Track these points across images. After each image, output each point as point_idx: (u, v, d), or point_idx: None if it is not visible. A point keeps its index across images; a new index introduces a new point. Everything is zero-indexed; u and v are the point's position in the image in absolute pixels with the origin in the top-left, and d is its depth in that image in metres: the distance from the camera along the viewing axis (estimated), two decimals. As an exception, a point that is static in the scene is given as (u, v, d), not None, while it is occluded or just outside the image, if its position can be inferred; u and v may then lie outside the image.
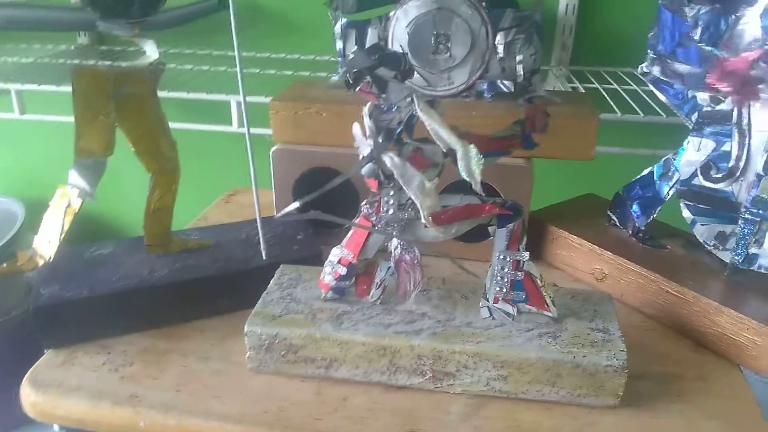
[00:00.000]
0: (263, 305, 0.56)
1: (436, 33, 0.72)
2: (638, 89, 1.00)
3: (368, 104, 0.47)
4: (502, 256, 0.53)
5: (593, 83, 1.06)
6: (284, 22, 1.24)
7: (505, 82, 0.72)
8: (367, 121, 0.47)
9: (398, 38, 0.74)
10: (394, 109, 0.47)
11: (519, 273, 0.52)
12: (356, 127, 0.48)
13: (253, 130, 0.95)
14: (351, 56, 0.45)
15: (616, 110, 0.95)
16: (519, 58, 0.71)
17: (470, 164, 0.45)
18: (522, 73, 0.72)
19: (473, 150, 0.44)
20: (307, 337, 0.52)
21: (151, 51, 0.60)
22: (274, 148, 0.72)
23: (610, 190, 0.77)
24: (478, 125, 0.68)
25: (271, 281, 0.59)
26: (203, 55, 1.22)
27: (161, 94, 0.99)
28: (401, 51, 0.47)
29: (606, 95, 1.00)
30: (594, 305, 0.56)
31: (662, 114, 0.91)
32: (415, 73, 0.72)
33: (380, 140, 0.47)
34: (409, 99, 0.46)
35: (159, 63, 0.60)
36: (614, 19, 1.18)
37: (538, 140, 0.52)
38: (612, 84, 1.05)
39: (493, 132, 0.53)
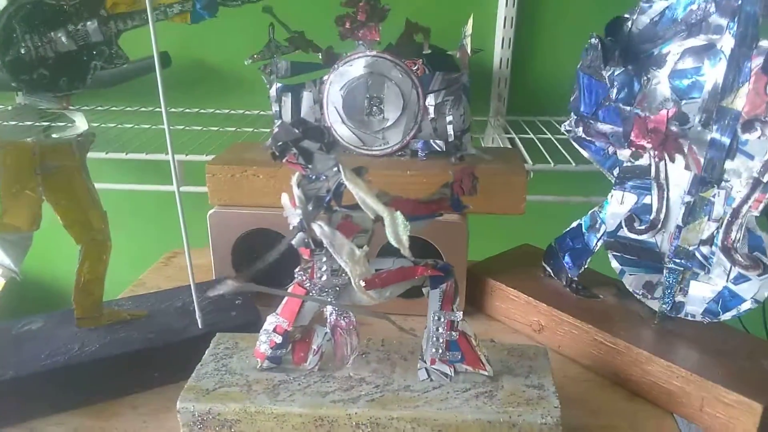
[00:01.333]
0: (197, 379, 0.54)
1: (369, 96, 0.74)
2: (577, 147, 1.04)
3: (296, 174, 0.48)
4: (436, 317, 0.53)
5: (528, 133, 1.09)
6: (228, 78, 1.25)
7: (438, 141, 0.74)
8: (295, 191, 0.47)
9: (332, 101, 0.76)
10: (321, 179, 0.48)
11: (454, 333, 0.53)
12: (285, 198, 0.48)
13: (196, 189, 0.95)
14: (275, 129, 0.45)
15: (550, 161, 0.99)
16: (449, 118, 0.74)
17: (398, 231, 0.45)
18: (452, 132, 0.74)
19: (399, 217, 0.45)
20: (242, 411, 0.51)
21: (80, 122, 0.59)
22: (211, 211, 0.72)
23: (545, 239, 0.79)
24: (413, 183, 0.69)
25: (206, 352, 0.58)
26: (146, 112, 1.21)
27: (101, 155, 0.99)
28: (325, 125, 0.47)
29: (540, 145, 1.04)
30: (529, 360, 0.57)
31: (592, 162, 0.94)
32: (351, 133, 0.74)
33: (310, 208, 0.47)
34: (335, 168, 0.47)
35: (89, 134, 0.59)
36: (546, 71, 1.24)
37: (466, 203, 0.54)
38: (546, 133, 1.09)
39: (423, 194, 0.55)
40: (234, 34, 1.03)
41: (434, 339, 0.53)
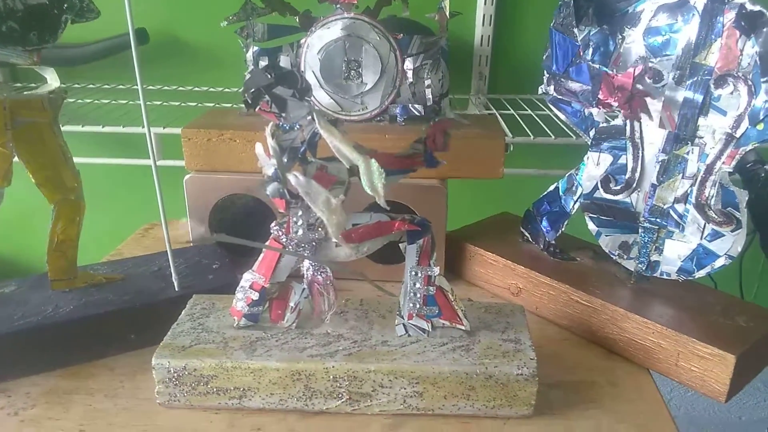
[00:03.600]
0: (173, 337, 0.54)
1: (347, 59, 0.73)
2: (550, 113, 1.04)
3: (270, 124, 0.47)
4: (413, 272, 0.53)
5: (509, 110, 1.10)
6: (207, 55, 1.24)
7: (416, 106, 0.74)
8: (269, 141, 0.47)
9: (310, 64, 0.75)
10: (296, 128, 0.47)
11: (431, 288, 0.53)
12: (259, 147, 0.48)
13: (171, 162, 0.94)
14: (248, 76, 0.45)
15: (529, 133, 0.99)
16: (427, 82, 0.73)
17: (372, 179, 0.45)
18: (431, 97, 0.74)
19: (374, 164, 0.45)
20: (218, 366, 0.51)
21: (51, 79, 0.58)
22: (187, 177, 0.71)
23: (524, 209, 0.80)
24: (392, 148, 0.69)
25: (183, 312, 0.58)
26: (124, 89, 1.20)
27: (77, 128, 0.98)
28: (299, 69, 0.47)
29: (520, 120, 1.04)
30: (506, 317, 0.57)
31: (572, 135, 0.95)
32: (329, 98, 0.73)
33: (284, 160, 0.47)
34: (309, 117, 0.46)
35: (60, 91, 0.58)
36: (527, 49, 1.24)
37: (441, 158, 0.53)
38: (527, 110, 1.10)
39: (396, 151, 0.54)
40: (213, 11, 1.02)
41: (411, 294, 0.53)
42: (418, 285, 0.53)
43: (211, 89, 1.22)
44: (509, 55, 1.25)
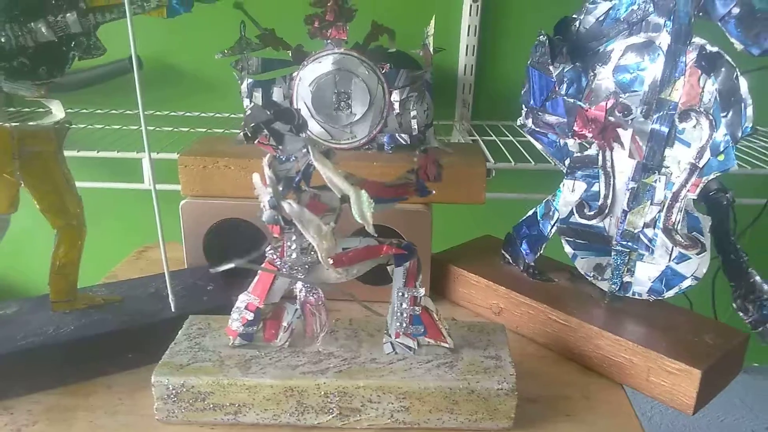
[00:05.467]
0: (171, 355, 0.57)
1: (337, 91, 0.77)
2: (531, 140, 1.09)
3: (267, 155, 0.51)
4: (400, 293, 0.56)
5: (491, 136, 1.14)
6: (199, 81, 1.28)
7: (403, 135, 0.78)
8: (266, 171, 0.50)
9: (302, 96, 0.79)
10: (291, 159, 0.51)
11: (417, 308, 0.56)
12: (256, 177, 0.51)
13: (165, 187, 0.97)
14: (248, 111, 0.48)
15: (511, 160, 1.04)
16: (413, 113, 0.78)
17: (362, 208, 0.49)
18: (417, 127, 0.78)
19: (364, 195, 0.48)
20: (215, 383, 0.53)
21: (57, 110, 0.62)
22: (183, 202, 0.74)
23: (506, 232, 0.83)
24: (380, 174, 0.73)
25: (180, 332, 0.60)
26: (117, 114, 1.23)
27: (72, 153, 1.01)
28: (296, 108, 0.50)
29: (502, 147, 1.09)
30: (488, 335, 0.60)
31: (550, 162, 0.99)
32: (320, 127, 0.77)
33: (280, 188, 0.51)
34: (305, 150, 0.50)
35: (65, 122, 0.61)
36: (509, 78, 1.29)
37: (431, 188, 0.57)
38: (508, 136, 1.14)
39: (389, 180, 0.58)
40: (205, 36, 1.06)
41: (398, 314, 0.57)
42: (404, 305, 0.56)
43: (203, 114, 1.25)
44: (491, 83, 1.30)
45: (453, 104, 1.31)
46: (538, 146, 0.71)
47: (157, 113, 1.24)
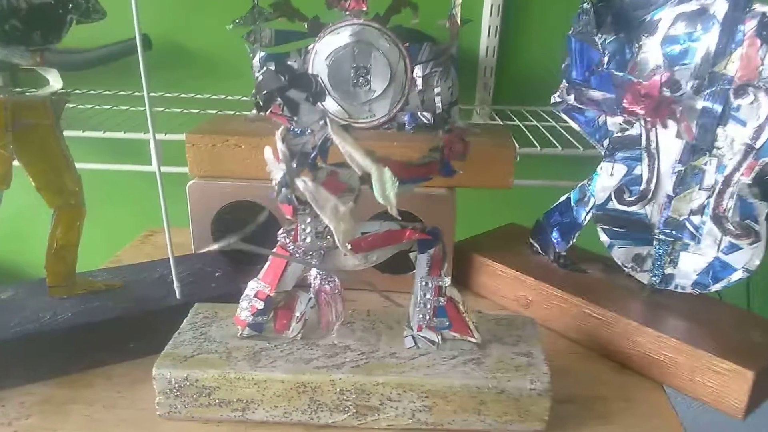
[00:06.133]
0: (174, 346, 0.52)
1: (355, 66, 0.72)
2: (557, 125, 1.03)
3: (281, 128, 0.46)
4: (424, 282, 0.51)
5: (514, 121, 1.09)
6: (210, 62, 1.23)
7: (425, 113, 0.72)
8: (279, 145, 0.45)
9: (318, 70, 0.74)
10: (307, 133, 0.46)
11: (441, 299, 0.51)
12: (268, 151, 0.46)
13: (174, 169, 0.92)
14: (260, 77, 0.43)
15: (536, 144, 0.98)
16: (437, 90, 0.72)
17: (385, 187, 0.44)
18: (440, 105, 0.73)
19: (388, 173, 0.44)
20: (221, 377, 0.49)
21: (54, 81, 0.57)
22: (190, 183, 0.70)
23: (532, 221, 0.78)
24: (400, 155, 0.67)
25: (185, 321, 0.56)
26: (125, 95, 1.19)
27: (78, 134, 0.97)
28: (313, 74, 0.45)
29: (526, 131, 1.03)
30: (518, 330, 0.56)
31: (579, 147, 0.94)
32: (337, 105, 0.72)
33: (294, 164, 0.46)
34: (322, 122, 0.45)
35: (63, 93, 0.57)
36: (532, 60, 1.23)
37: (456, 167, 0.52)
38: (532, 121, 1.09)
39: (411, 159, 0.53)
40: (218, 15, 1.01)
41: (421, 305, 0.52)
42: (428, 296, 0.51)
43: (214, 96, 1.21)
44: (514, 66, 1.24)
45: (473, 87, 1.26)
46: (574, 125, 0.66)
47: (167, 95, 1.20)
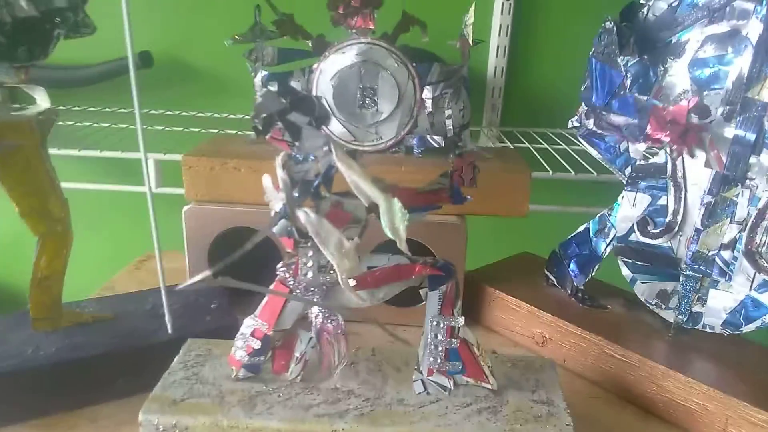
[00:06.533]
0: (163, 388, 0.48)
1: (362, 86, 0.68)
2: (568, 148, 1.00)
3: (281, 154, 0.42)
4: (435, 322, 0.47)
5: (524, 143, 1.05)
6: (214, 80, 1.20)
7: (435, 137, 0.69)
8: (279, 173, 0.42)
9: (322, 91, 0.70)
10: (310, 159, 0.42)
11: (454, 341, 0.47)
12: (267, 179, 0.43)
13: (174, 190, 0.89)
14: (259, 99, 0.40)
15: (548, 169, 0.94)
16: (447, 113, 0.68)
17: (394, 220, 0.40)
18: (451, 128, 0.69)
19: (397, 204, 0.40)
20: (213, 425, 0.45)
21: (41, 99, 0.54)
22: (186, 207, 0.66)
23: (544, 249, 0.74)
24: (408, 180, 0.64)
25: (175, 359, 0.52)
26: (124, 113, 1.16)
27: (74, 152, 0.93)
28: (317, 95, 0.42)
29: (537, 154, 0.99)
30: (536, 374, 0.51)
31: (593, 172, 0.90)
32: (342, 127, 0.69)
33: (296, 194, 0.42)
34: (326, 148, 0.41)
35: (50, 113, 0.53)
36: (541, 81, 1.20)
37: (467, 194, 0.48)
38: (542, 143, 1.05)
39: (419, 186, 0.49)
40: (221, 32, 0.98)
41: (432, 347, 0.48)
42: (439, 337, 0.47)
43: (216, 115, 1.18)
44: (523, 87, 1.21)
45: (481, 109, 1.22)
46: (593, 152, 0.62)
47: (168, 113, 1.17)
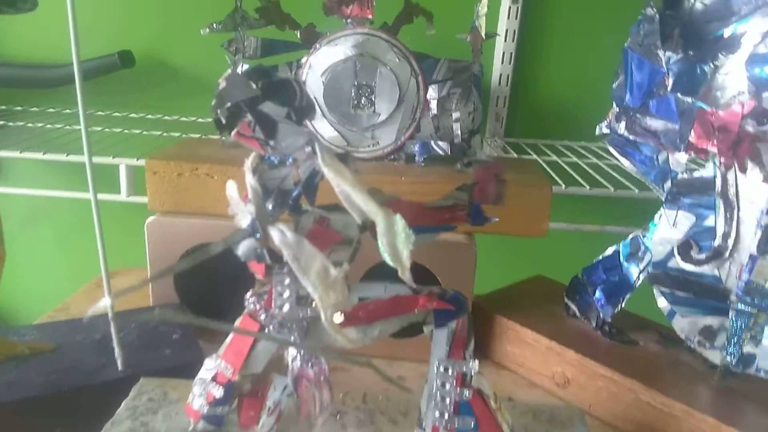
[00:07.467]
0: (102, 444, 0.39)
1: (357, 84, 0.60)
2: (580, 162, 0.93)
3: (251, 155, 0.33)
4: (442, 368, 0.38)
5: (531, 155, 0.97)
6: (197, 82, 1.13)
7: (440, 143, 0.60)
8: (249, 179, 0.32)
9: (312, 88, 0.62)
10: (288, 163, 0.33)
11: (466, 391, 0.38)
12: (231, 187, 0.33)
13: (145, 199, 0.80)
14: (222, 84, 0.31)
15: (560, 183, 0.86)
16: (455, 115, 0.60)
17: (396, 242, 0.31)
18: (459, 133, 0.61)
19: (400, 222, 0.31)
20: (159, 496, 0.35)
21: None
22: (150, 219, 0.57)
23: (557, 272, 0.65)
24: (408, 193, 0.55)
25: (122, 404, 0.43)
26: (102, 116, 1.08)
27: (37, 156, 0.85)
28: (296, 80, 0.32)
29: (547, 168, 0.91)
30: (562, 428, 0.42)
31: (609, 187, 0.82)
32: (333, 130, 0.60)
33: (269, 206, 0.33)
34: (309, 148, 0.32)
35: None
36: (550, 90, 1.13)
37: (489, 214, 0.40)
38: (551, 156, 0.97)
39: (428, 201, 0.40)
40: (204, 38, 0.91)
41: (438, 399, 0.38)
42: (447, 386, 0.38)
43: (200, 119, 1.10)
44: (530, 96, 1.14)
45: (484, 119, 1.14)
46: (625, 163, 0.53)
47: (149, 116, 1.09)
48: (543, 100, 1.14)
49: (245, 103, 0.30)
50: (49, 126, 0.98)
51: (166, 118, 1.09)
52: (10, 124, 0.98)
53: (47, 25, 0.94)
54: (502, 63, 1.12)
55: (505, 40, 1.10)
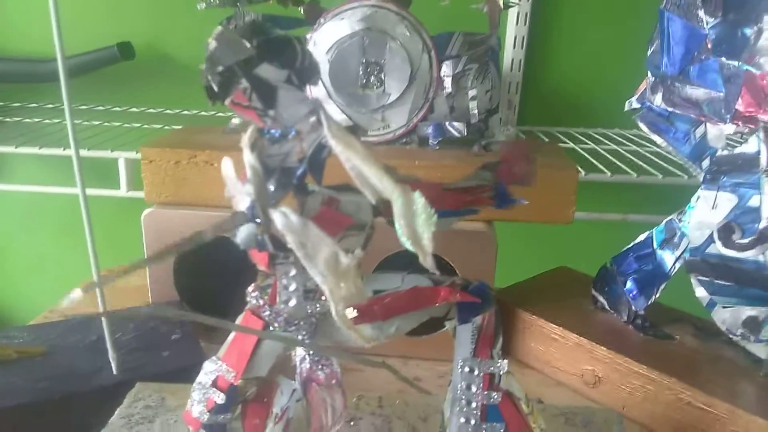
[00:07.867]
0: (92, 456, 0.35)
1: (365, 61, 0.56)
2: (598, 148, 0.89)
3: (250, 129, 0.29)
4: (467, 368, 0.34)
5: (547, 142, 0.93)
6: (199, 74, 1.09)
7: (455, 124, 0.56)
8: (247, 156, 0.29)
9: (316, 69, 0.58)
10: (290, 136, 0.29)
11: (494, 394, 0.34)
12: (227, 165, 0.30)
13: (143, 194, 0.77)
14: (213, 44, 0.27)
15: (580, 169, 0.82)
16: (471, 93, 0.56)
17: (416, 223, 0.27)
18: (476, 112, 0.56)
19: (420, 200, 0.27)
20: None
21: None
22: (146, 212, 0.53)
23: (580, 262, 0.61)
24: (423, 177, 0.51)
25: (117, 411, 0.39)
26: (102, 111, 1.05)
27: (33, 150, 0.82)
28: (297, 37, 0.28)
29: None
30: (599, 433, 0.38)
31: (632, 173, 0.79)
32: (340, 112, 0.56)
33: (270, 187, 0.29)
34: (313, 118, 0.28)
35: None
36: (564, 75, 1.09)
37: (516, 196, 0.36)
38: (568, 143, 0.93)
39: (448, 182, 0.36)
40: (207, 27, 0.88)
41: (464, 402, 0.34)
42: (474, 388, 0.34)
43: (202, 113, 1.07)
44: (543, 81, 1.10)
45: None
46: (657, 139, 0.49)
47: (150, 110, 1.06)
48: (557, 85, 1.11)
49: (239, 65, 0.26)
50: (46, 121, 0.96)
51: (167, 111, 1.07)
52: (7, 120, 0.95)
53: (41, 18, 0.91)
54: (514, 48, 1.08)
55: (517, 23, 1.06)
